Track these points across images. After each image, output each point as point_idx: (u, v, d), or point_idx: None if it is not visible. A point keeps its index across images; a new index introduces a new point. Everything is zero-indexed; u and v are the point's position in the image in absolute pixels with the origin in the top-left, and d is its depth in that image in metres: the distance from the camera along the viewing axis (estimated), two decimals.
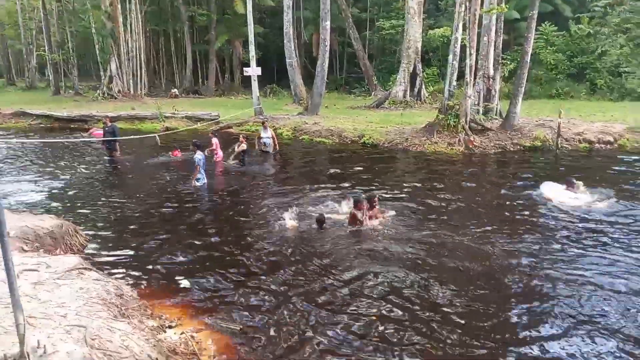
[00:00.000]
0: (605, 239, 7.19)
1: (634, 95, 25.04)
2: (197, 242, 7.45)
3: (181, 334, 4.71)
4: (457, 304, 5.39)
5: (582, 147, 14.99)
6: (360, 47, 32.16)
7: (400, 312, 5.21)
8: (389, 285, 5.83)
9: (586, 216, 8.25)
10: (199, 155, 10.88)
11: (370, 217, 7.80)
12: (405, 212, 8.73)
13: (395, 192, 10.27)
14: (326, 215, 7.98)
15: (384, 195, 9.72)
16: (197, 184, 10.82)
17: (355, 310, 5.26)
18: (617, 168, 12.49)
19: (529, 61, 15.90)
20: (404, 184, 11.05)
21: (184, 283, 5.98)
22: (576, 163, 13.28)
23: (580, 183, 9.37)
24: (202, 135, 15.61)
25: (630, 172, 11.91)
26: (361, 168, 12.94)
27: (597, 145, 15.14)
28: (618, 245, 6.97)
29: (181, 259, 6.81)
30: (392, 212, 8.36)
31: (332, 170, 12.70)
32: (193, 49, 37.22)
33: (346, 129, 17.95)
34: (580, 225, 7.88)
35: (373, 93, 30.05)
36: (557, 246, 6.99)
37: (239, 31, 33.66)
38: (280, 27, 26.21)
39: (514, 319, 5.12)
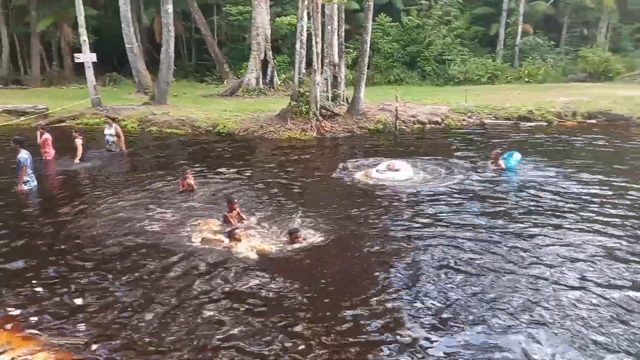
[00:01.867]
0: (410, 211, 8.19)
1: (456, 81, 28.81)
2: (27, 254, 6.47)
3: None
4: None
5: (416, 128, 16.78)
6: (209, 33, 31.11)
7: (242, 310, 5.23)
8: (236, 280, 5.81)
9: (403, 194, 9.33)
10: (24, 154, 9.44)
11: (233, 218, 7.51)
12: (263, 198, 8.82)
13: (251, 180, 10.27)
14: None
15: (240, 183, 9.68)
16: (25, 187, 9.39)
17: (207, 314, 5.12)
18: (447, 141, 14.30)
19: (368, 50, 17.13)
20: (261, 172, 11.13)
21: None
22: (411, 141, 14.84)
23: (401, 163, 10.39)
24: (29, 131, 13.58)
25: (456, 144, 13.73)
26: (218, 158, 12.62)
27: (428, 125, 17.10)
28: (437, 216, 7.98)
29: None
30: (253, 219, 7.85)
31: (188, 164, 11.92)
32: (10, 32, 31.94)
33: (199, 119, 17.31)
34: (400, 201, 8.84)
35: (225, 81, 29.40)
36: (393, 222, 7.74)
37: (67, 13, 29.79)
38: (118, 9, 23.91)
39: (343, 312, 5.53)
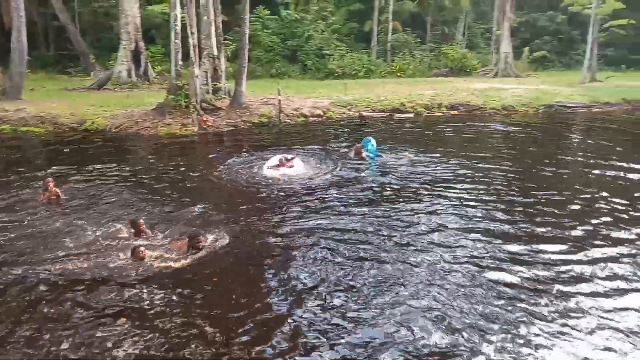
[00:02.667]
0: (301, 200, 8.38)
1: (335, 75, 29.84)
2: None
3: None
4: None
5: (300, 121, 17.02)
6: (69, 20, 28.03)
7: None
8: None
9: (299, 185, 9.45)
10: None
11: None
12: (148, 201, 8.18)
13: (130, 181, 9.49)
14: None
15: (116, 185, 8.88)
16: None
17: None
18: (330, 132, 14.72)
19: (247, 42, 16.88)
20: (142, 171, 10.34)
21: None
22: (296, 134, 14.99)
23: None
24: None
25: (338, 135, 14.21)
26: (87, 159, 11.43)
27: (311, 118, 17.45)
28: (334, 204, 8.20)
29: None
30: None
31: (52, 168, 10.50)
32: None
33: (62, 115, 15.56)
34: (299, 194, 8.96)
35: (92, 73, 26.79)
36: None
37: None
38: None
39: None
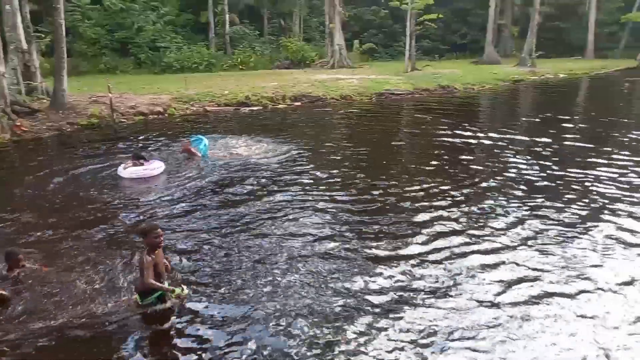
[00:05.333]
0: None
1: (174, 68, 28.27)
2: None
3: None
4: None
5: (138, 120, 15.69)
6: None
7: None
8: None
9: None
10: None
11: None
12: None
13: None
14: None
15: None
16: None
17: None
18: (171, 130, 13.81)
19: (64, 34, 14.86)
20: None
21: None
22: (134, 133, 13.71)
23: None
24: None
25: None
26: None
27: (150, 116, 16.23)
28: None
29: None
30: None
31: None
32: None
33: None
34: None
35: None
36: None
37: None
38: None
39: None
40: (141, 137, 13.22)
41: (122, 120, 15.32)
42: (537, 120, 16.84)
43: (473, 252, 5.95)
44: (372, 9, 44.54)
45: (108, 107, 15.05)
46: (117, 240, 6.36)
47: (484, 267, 5.57)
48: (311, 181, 8.86)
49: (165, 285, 4.65)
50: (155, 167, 9.33)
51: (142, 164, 9.24)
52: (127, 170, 9.12)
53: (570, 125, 14.96)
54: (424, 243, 6.20)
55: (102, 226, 6.79)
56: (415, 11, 29.21)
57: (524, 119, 17.28)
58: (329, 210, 7.35)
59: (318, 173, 9.37)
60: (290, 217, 7.06)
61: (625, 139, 12.64)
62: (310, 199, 7.86)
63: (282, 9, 39.33)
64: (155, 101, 17.18)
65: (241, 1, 35.84)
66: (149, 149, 11.62)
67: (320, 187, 8.49)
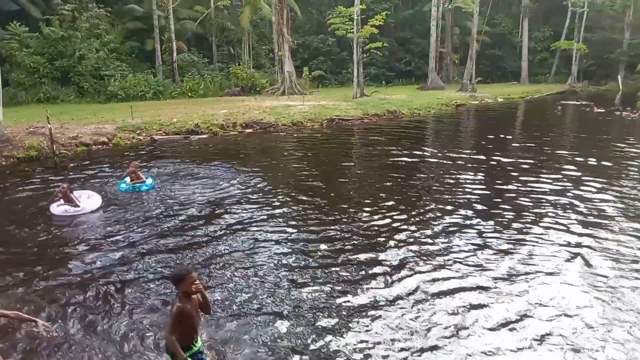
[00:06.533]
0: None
1: (119, 97, 27.42)
2: None
3: None
4: None
5: (80, 151, 14.97)
6: None
7: None
8: None
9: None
10: None
11: None
12: None
13: None
14: None
15: None
16: None
17: None
18: (117, 161, 13.26)
19: None
20: None
21: None
22: (76, 167, 13.08)
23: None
24: None
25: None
26: None
27: (94, 146, 15.54)
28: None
29: None
30: None
31: None
32: None
33: None
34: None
35: None
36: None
37: None
38: None
39: None
40: (83, 169, 12.62)
41: (63, 151, 14.57)
42: (480, 140, 17.68)
43: (426, 271, 6.04)
44: (319, 37, 45.60)
45: (47, 138, 14.29)
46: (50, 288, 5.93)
47: (432, 283, 5.67)
48: (267, 206, 8.74)
49: (196, 346, 3.95)
50: (89, 204, 8.78)
51: (72, 194, 8.66)
52: (60, 208, 8.53)
53: (513, 144, 15.87)
54: (390, 267, 6.24)
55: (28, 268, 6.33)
56: (361, 40, 30.16)
57: (469, 139, 18.11)
58: (288, 238, 7.25)
59: (273, 198, 9.28)
60: (245, 243, 6.89)
61: (564, 155, 13.58)
62: (266, 225, 7.73)
63: (231, 37, 39.46)
64: (99, 131, 16.51)
65: (188, 29, 35.62)
66: (91, 181, 11.10)
67: (277, 214, 8.39)
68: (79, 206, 8.56)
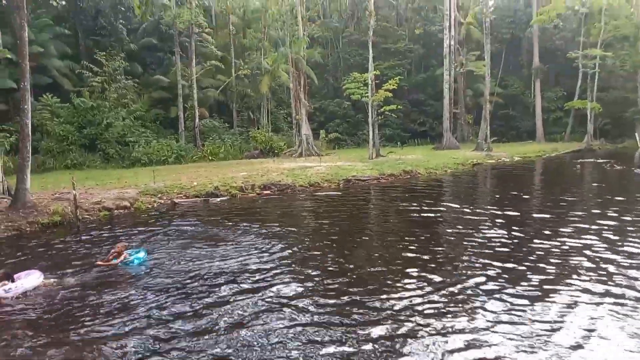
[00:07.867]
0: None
1: (142, 162, 28.38)
2: None
3: None
4: None
5: (102, 215, 15.30)
6: None
7: None
8: None
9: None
10: None
11: None
12: None
13: None
14: None
15: None
16: None
17: None
18: (134, 228, 13.45)
19: (29, 134, 14.87)
20: None
21: None
22: (97, 231, 13.29)
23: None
24: None
25: (147, 228, 13.12)
26: None
27: (116, 211, 15.88)
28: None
29: None
30: None
31: None
32: None
33: None
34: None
35: None
36: None
37: None
38: None
39: None
40: (101, 233, 12.84)
41: (86, 216, 14.92)
42: (498, 196, 17.56)
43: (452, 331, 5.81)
44: (335, 101, 47.16)
45: (72, 204, 14.70)
46: None
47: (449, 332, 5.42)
48: (285, 264, 8.65)
49: None
50: (30, 280, 8.06)
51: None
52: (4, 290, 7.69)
53: (533, 201, 15.71)
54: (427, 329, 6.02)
55: None
56: (376, 103, 31.06)
57: (487, 196, 18.00)
58: (305, 293, 7.12)
59: (290, 255, 9.20)
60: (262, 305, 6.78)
61: (582, 213, 13.30)
62: (285, 283, 7.62)
63: (251, 103, 41.10)
64: (122, 195, 16.96)
65: (210, 96, 37.32)
66: (105, 244, 11.22)
67: (295, 272, 8.30)
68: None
